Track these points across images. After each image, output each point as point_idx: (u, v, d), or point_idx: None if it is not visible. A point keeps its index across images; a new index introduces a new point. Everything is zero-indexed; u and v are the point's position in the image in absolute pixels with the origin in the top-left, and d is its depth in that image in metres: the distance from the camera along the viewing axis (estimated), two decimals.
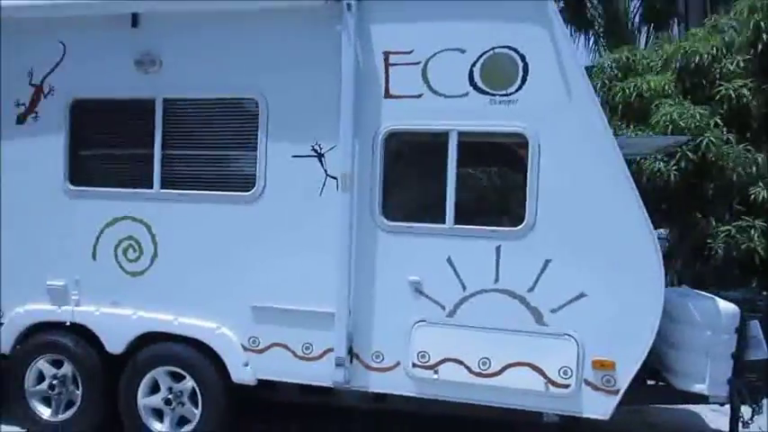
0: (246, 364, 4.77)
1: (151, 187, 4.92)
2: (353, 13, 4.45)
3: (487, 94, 4.38)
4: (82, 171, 5.11)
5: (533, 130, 4.31)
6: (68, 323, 5.05)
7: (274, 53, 4.70)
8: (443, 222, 4.46)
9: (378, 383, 4.61)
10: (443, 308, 4.47)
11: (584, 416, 4.32)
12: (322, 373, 4.63)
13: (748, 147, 7.17)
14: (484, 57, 4.38)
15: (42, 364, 5.15)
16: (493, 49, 4.36)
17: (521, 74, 4.33)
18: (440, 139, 4.46)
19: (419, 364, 4.49)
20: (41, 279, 5.12)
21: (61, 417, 5.13)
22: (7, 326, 5.18)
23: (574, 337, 4.29)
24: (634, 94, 7.63)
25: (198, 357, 4.85)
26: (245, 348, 4.78)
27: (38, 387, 5.17)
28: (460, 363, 4.43)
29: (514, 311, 4.36)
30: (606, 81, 8.07)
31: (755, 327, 5.29)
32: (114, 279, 5.00)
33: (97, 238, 5.03)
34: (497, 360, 4.38)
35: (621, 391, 4.25)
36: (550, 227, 4.32)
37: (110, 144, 5.13)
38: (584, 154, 4.28)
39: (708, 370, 4.89)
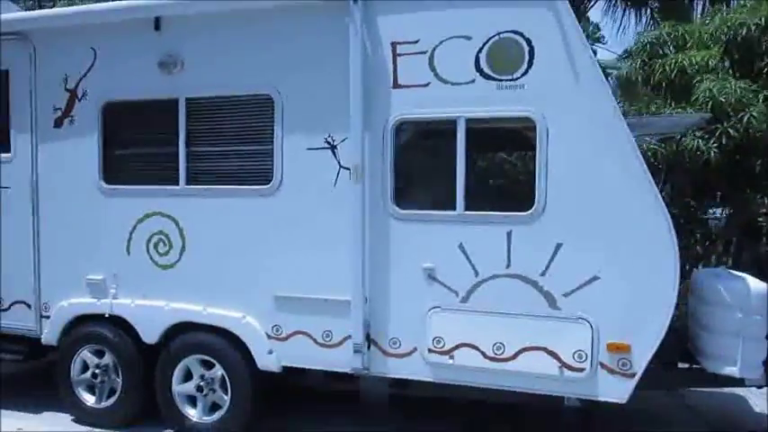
0: (271, 352, 4.94)
1: (177, 183, 5.13)
2: (360, 6, 4.52)
3: (494, 79, 4.38)
4: (115, 170, 5.37)
5: (541, 113, 4.28)
6: (107, 315, 5.33)
7: (287, 50, 4.82)
8: (454, 209, 4.50)
9: (396, 369, 4.69)
10: (457, 294, 4.51)
11: (601, 399, 4.30)
12: (342, 360, 4.75)
13: None
14: (489, 42, 4.38)
15: (86, 354, 5.47)
16: (498, 34, 4.35)
17: (527, 58, 4.31)
18: (448, 126, 4.49)
19: (435, 349, 4.55)
20: (82, 274, 5.42)
21: (104, 404, 5.43)
22: (53, 319, 5.50)
23: (588, 320, 4.26)
24: (675, 71, 7.38)
25: (226, 346, 5.05)
26: (269, 336, 4.94)
27: (82, 376, 5.49)
28: (475, 348, 4.47)
29: (527, 296, 4.36)
30: (646, 59, 7.83)
31: None
32: (147, 272, 5.24)
33: (130, 234, 5.28)
34: (511, 345, 4.40)
35: (638, 375, 4.21)
36: (561, 211, 4.30)
37: (139, 143, 5.37)
38: (593, 137, 4.23)
39: (739, 352, 4.78)
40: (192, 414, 5.17)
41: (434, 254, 4.55)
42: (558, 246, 4.30)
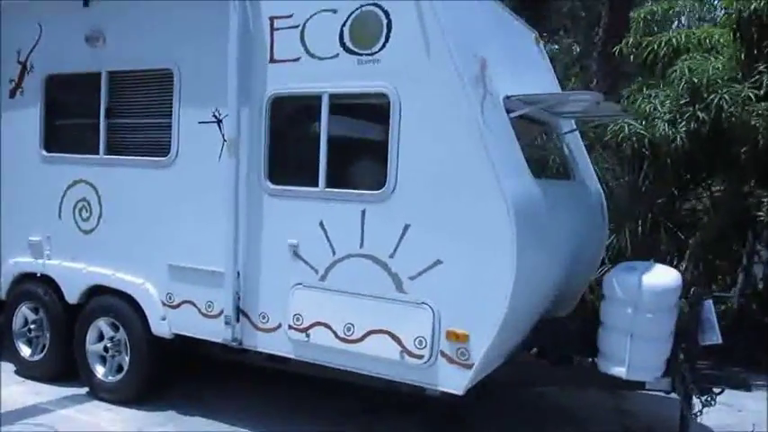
0: (164, 318, 5.11)
1: (98, 153, 5.41)
2: None
3: (355, 54, 4.29)
4: (53, 139, 5.74)
5: (394, 89, 4.15)
6: (38, 274, 5.73)
7: (185, 26, 4.95)
8: (317, 186, 4.45)
9: (264, 344, 4.73)
10: (316, 272, 4.47)
11: (440, 389, 4.12)
12: (219, 331, 4.84)
13: None
14: (352, 16, 4.29)
15: (24, 309, 5.89)
16: (360, 7, 4.26)
17: (384, 31, 4.19)
18: (314, 102, 4.44)
19: (294, 326, 4.54)
20: (26, 235, 5.86)
21: (36, 357, 5.84)
22: (3, 275, 5.99)
23: (430, 306, 4.09)
24: (663, 49, 6.78)
25: (128, 310, 5.28)
26: (163, 304, 5.12)
27: (21, 330, 5.94)
28: (328, 327, 4.41)
29: (377, 277, 4.25)
30: (638, 37, 7.25)
31: (708, 307, 4.66)
32: (74, 236, 5.57)
33: (62, 199, 5.63)
34: (360, 326, 4.31)
35: (476, 365, 3.98)
36: (409, 190, 4.15)
37: (73, 115, 5.72)
38: (440, 116, 4.05)
39: (627, 352, 4.43)
40: (101, 372, 5.45)
41: (299, 231, 4.53)
42: (407, 227, 4.15)
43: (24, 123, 5.83)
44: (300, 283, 4.52)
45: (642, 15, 7.23)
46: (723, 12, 7.20)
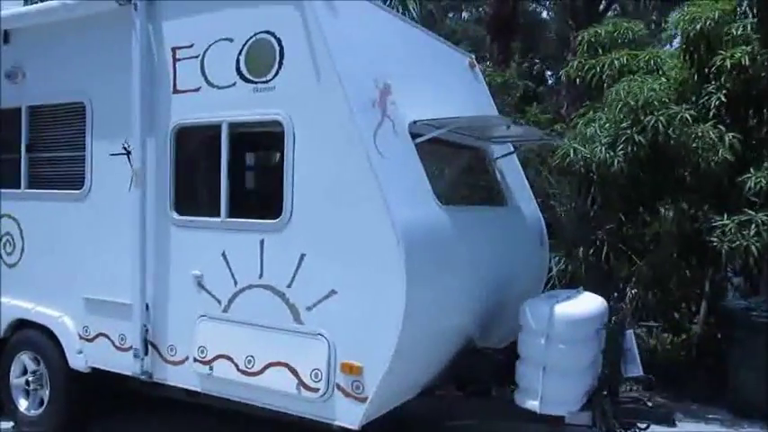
0: (80, 352, 5.04)
1: (19, 187, 5.39)
2: (140, 12, 4.57)
3: (251, 82, 4.25)
4: None
5: (288, 117, 4.10)
6: None
7: (94, 58, 4.94)
8: (219, 216, 4.39)
9: (173, 377, 4.63)
10: (220, 303, 4.39)
11: (336, 423, 3.99)
12: (130, 364, 4.75)
13: (717, 125, 5.99)
14: (247, 44, 4.26)
15: None
16: (255, 35, 4.22)
17: (277, 59, 4.15)
18: (215, 131, 4.40)
19: (199, 359, 4.44)
20: None
21: None
22: None
23: (326, 337, 3.99)
24: (606, 72, 6.71)
25: (48, 344, 5.21)
26: (80, 337, 5.05)
27: None
28: (230, 359, 4.31)
29: (276, 308, 4.16)
30: (582, 60, 7.17)
31: (630, 338, 4.52)
32: (2, 270, 5.53)
33: None
34: (260, 359, 4.20)
35: (371, 399, 3.86)
36: (304, 219, 4.07)
37: (3, 149, 5.69)
38: (331, 143, 3.99)
39: (540, 384, 4.28)
40: (23, 406, 5.37)
41: (203, 261, 4.46)
42: (303, 256, 4.07)
43: None
44: (205, 315, 4.44)
45: (587, 38, 7.17)
46: (672, 32, 7.12)
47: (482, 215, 5.11)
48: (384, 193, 3.81)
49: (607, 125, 6.17)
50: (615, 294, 7.04)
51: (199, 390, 4.51)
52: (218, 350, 4.37)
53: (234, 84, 4.31)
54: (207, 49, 4.41)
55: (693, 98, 6.65)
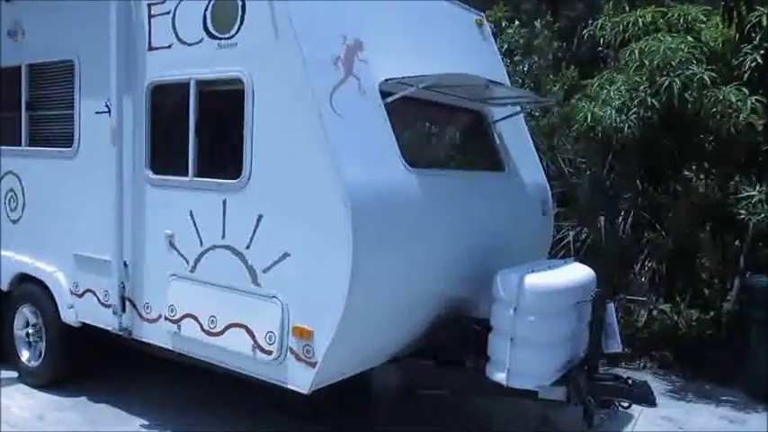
0: (71, 307, 5.17)
1: (21, 144, 5.54)
2: None
3: (216, 38, 4.17)
4: None
5: (249, 74, 4.00)
6: None
7: (84, 15, 4.95)
8: (187, 175, 4.36)
9: (149, 334, 4.69)
10: (188, 262, 4.39)
11: (289, 387, 3.94)
12: (112, 320, 4.84)
13: (740, 87, 5.48)
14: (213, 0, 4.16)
15: None
16: None
17: (240, 13, 4.04)
18: (185, 89, 4.35)
19: (169, 317, 4.47)
20: None
21: None
22: None
23: (280, 300, 3.93)
24: (630, 31, 6.24)
25: (44, 298, 5.37)
26: (71, 292, 5.18)
27: None
28: (196, 319, 4.32)
29: (236, 269, 4.12)
30: (607, 19, 6.69)
31: (611, 312, 4.28)
32: (6, 226, 5.73)
33: None
34: (221, 319, 4.19)
35: (320, 364, 3.79)
36: (262, 179, 4.00)
37: (6, 108, 5.84)
38: (286, 101, 3.88)
39: (507, 356, 4.11)
40: (25, 357, 5.58)
41: (174, 221, 4.46)
42: (260, 217, 4.00)
43: None
44: (175, 274, 4.46)
45: None
46: None
47: (468, 180, 4.89)
48: (335, 153, 3.68)
49: (622, 88, 5.76)
50: (634, 267, 6.68)
51: (170, 348, 4.55)
52: (185, 309, 4.38)
53: (201, 40, 4.24)
54: (177, 6, 4.35)
55: (733, 60, 6.14)
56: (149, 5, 4.51)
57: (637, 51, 5.71)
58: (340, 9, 4.21)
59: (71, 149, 5.10)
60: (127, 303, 4.77)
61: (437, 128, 5.14)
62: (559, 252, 6.93)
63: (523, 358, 4.12)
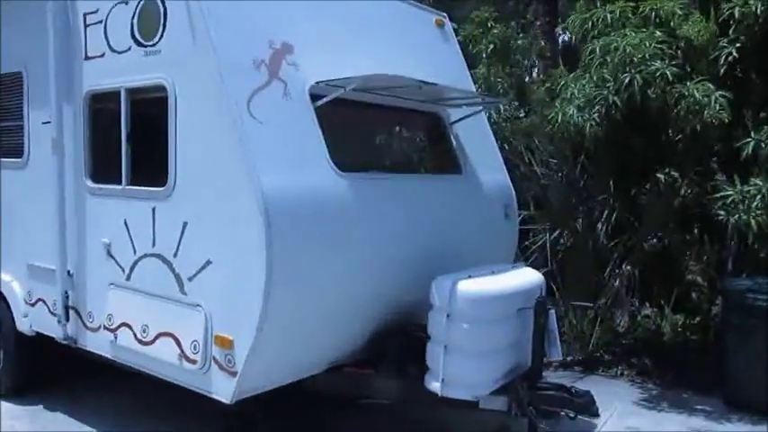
0: (26, 316, 5.19)
1: None
2: None
3: (142, 45, 4.15)
4: None
5: (171, 81, 3.97)
6: None
7: (30, 27, 4.96)
8: (120, 184, 4.35)
9: (91, 343, 4.68)
10: (123, 271, 4.37)
11: (214, 397, 3.87)
12: (57, 329, 4.84)
13: (702, 82, 5.26)
14: (139, 6, 4.14)
15: None
16: None
17: (162, 19, 4.01)
18: (117, 97, 4.33)
19: (107, 326, 4.46)
20: None
21: None
22: None
23: (203, 308, 3.88)
24: (596, 28, 6.06)
25: (3, 307, 5.40)
26: (25, 301, 5.20)
27: None
28: (130, 328, 4.29)
29: (165, 278, 4.08)
30: (579, 15, 6.51)
31: (551, 319, 4.15)
32: None
33: None
34: (152, 328, 4.16)
35: (240, 374, 3.71)
36: (186, 187, 3.96)
37: None
38: (205, 107, 3.84)
39: (441, 366, 3.99)
40: None
41: (110, 229, 4.45)
42: (185, 225, 3.96)
43: None
44: (113, 283, 4.43)
45: None
46: None
47: (413, 183, 4.79)
48: (251, 159, 3.61)
49: (586, 86, 5.60)
50: (609, 271, 6.49)
51: (110, 357, 4.53)
52: (121, 318, 4.36)
53: (129, 48, 4.22)
54: (108, 14, 4.35)
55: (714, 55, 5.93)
56: (84, 15, 4.51)
57: (598, 48, 5.53)
58: (268, 11, 4.15)
59: (21, 160, 5.12)
60: (71, 312, 4.76)
61: (380, 131, 5.04)
62: (532, 256, 6.79)
63: (458, 367, 4.00)
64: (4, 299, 5.37)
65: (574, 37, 6.59)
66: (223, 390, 3.80)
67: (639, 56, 5.33)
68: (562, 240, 6.90)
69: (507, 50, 7.99)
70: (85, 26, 4.52)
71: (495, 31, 8.69)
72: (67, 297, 4.73)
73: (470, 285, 4.01)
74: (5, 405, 5.31)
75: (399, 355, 4.38)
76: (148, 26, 4.08)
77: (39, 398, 5.41)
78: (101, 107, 4.58)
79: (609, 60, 5.44)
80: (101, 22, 4.39)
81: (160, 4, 4.00)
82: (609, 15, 6.08)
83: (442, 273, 4.30)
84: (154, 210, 4.13)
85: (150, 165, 4.31)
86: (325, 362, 4.28)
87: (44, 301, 5.02)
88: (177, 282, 4.01)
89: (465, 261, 4.74)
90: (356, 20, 4.86)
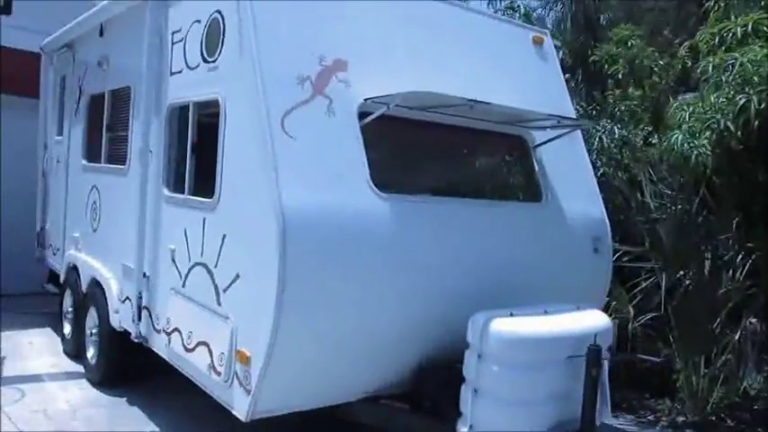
0: (117, 312, 5.57)
1: (100, 161, 6.13)
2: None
3: (207, 62, 4.31)
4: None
5: (223, 95, 4.07)
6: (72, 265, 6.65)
7: (137, 43, 5.31)
8: (184, 193, 4.53)
9: (156, 343, 4.90)
10: (181, 277, 4.53)
11: (234, 412, 3.86)
12: (132, 327, 5.14)
13: None
14: (208, 25, 4.30)
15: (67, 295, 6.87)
16: (212, 14, 4.25)
17: (221, 37, 4.13)
18: (187, 111, 4.54)
19: (164, 330, 4.64)
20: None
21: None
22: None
23: (231, 321, 3.90)
24: (727, 42, 5.29)
25: (103, 302, 5.81)
26: (117, 299, 5.59)
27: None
28: (180, 333, 4.43)
29: (207, 287, 4.18)
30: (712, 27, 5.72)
31: (604, 372, 3.72)
32: (90, 234, 6.36)
33: (87, 202, 6.45)
34: (195, 336, 4.27)
35: (254, 392, 3.67)
36: (227, 199, 4.03)
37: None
38: (245, 122, 3.89)
39: (469, 409, 3.73)
40: (89, 354, 6.08)
41: (175, 236, 4.64)
42: (224, 237, 4.02)
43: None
44: (173, 288, 4.62)
45: None
46: None
47: (473, 210, 4.46)
48: (275, 175, 3.58)
49: (697, 110, 4.93)
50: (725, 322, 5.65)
51: (167, 359, 4.70)
52: (175, 323, 4.52)
53: (198, 65, 4.42)
54: (187, 32, 4.57)
55: None
56: (172, 33, 4.77)
57: (711, 67, 4.85)
58: (325, 27, 4.12)
59: (125, 167, 5.52)
60: (144, 312, 5.01)
61: (444, 153, 4.78)
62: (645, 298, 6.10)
63: (487, 413, 3.65)
64: (104, 294, 5.81)
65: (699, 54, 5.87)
66: (240, 407, 3.78)
67: (760, 75, 4.59)
68: (680, 283, 6.13)
69: (643, 70, 7.34)
70: (172, 44, 4.77)
71: (635, 49, 8.03)
72: (141, 297, 4.99)
73: (505, 324, 3.65)
74: (97, 393, 5.71)
75: (438, 392, 4.08)
76: (212, 43, 4.23)
77: (129, 390, 5.76)
78: (177, 119, 4.81)
79: (724, 80, 4.74)
80: (182, 40, 4.62)
81: (221, 21, 4.12)
82: (740, 29, 5.33)
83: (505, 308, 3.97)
84: (204, 220, 4.24)
85: (207, 177, 4.44)
86: (359, 391, 4.11)
87: (130, 300, 5.35)
88: (216, 292, 4.08)
89: (537, 298, 4.35)
90: (433, 38, 4.69)
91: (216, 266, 4.09)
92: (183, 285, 4.48)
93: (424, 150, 4.60)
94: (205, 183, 4.46)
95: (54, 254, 7.40)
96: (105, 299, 5.75)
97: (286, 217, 3.50)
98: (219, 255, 4.05)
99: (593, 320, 4.00)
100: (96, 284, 6.01)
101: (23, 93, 8.28)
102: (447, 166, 4.77)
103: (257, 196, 3.69)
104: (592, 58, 8.03)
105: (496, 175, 4.99)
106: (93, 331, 6.03)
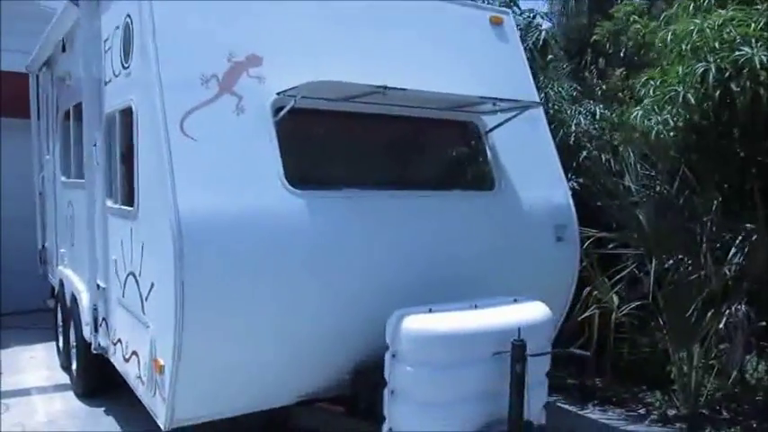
0: (87, 324, 5.53)
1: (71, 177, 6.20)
2: (83, 7, 4.84)
3: (125, 68, 4.24)
4: None
5: (136, 102, 4.00)
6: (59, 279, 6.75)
7: None
8: (117, 202, 4.50)
9: (111, 355, 4.88)
10: (121, 287, 4.49)
11: (157, 421, 3.78)
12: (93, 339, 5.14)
13: None
14: (123, 30, 4.24)
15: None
16: (124, 19, 4.18)
17: (131, 42, 4.06)
18: (113, 119, 4.50)
19: (112, 341, 4.62)
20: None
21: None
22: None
23: (151, 329, 3.82)
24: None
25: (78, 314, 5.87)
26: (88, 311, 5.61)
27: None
28: (121, 343, 4.40)
29: (136, 297, 4.12)
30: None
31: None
32: (68, 248, 6.43)
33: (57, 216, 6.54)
34: (130, 345, 4.23)
35: (168, 401, 3.57)
36: (142, 207, 3.95)
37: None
38: (149, 126, 3.80)
39: (386, 411, 3.58)
40: (74, 366, 6.13)
41: (116, 247, 4.61)
42: (143, 245, 3.95)
43: None
44: (117, 299, 4.59)
45: None
46: None
47: (406, 202, 4.22)
48: (171, 178, 3.48)
49: (657, 83, 4.56)
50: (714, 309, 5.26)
51: (119, 371, 4.68)
52: (119, 334, 4.49)
53: (120, 73, 4.35)
54: (110, 40, 4.53)
55: None
56: (104, 41, 4.74)
57: (669, 36, 4.48)
58: (234, 23, 3.99)
59: (84, 181, 5.51)
60: (103, 324, 5.00)
61: (377, 143, 4.58)
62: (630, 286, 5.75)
63: (404, 416, 3.46)
64: (78, 307, 5.85)
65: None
66: (160, 415, 3.70)
67: (717, 42, 4.21)
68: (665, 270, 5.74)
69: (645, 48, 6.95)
70: (104, 52, 4.73)
71: (637, 25, 7.60)
72: (96, 309, 4.98)
73: (418, 322, 3.44)
74: (78, 404, 5.76)
75: (371, 395, 3.89)
76: (126, 48, 4.16)
77: (107, 400, 5.79)
78: (111, 128, 4.76)
79: (684, 48, 4.38)
80: (109, 49, 4.58)
81: (131, 26, 4.05)
82: None
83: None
84: (131, 229, 4.19)
85: (129, 185, 4.39)
86: (293, 395, 3.98)
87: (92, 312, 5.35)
88: (141, 301, 4.02)
89: (488, 292, 4.12)
90: (368, 28, 4.50)
91: (140, 275, 4.03)
92: (123, 296, 4.44)
93: (350, 143, 4.42)
94: (129, 192, 4.42)
95: (52, 270, 7.53)
96: (80, 312, 5.78)
97: (182, 221, 3.40)
98: (141, 263, 3.99)
99: (524, 314, 3.73)
100: (73, 298, 6.06)
101: (22, 115, 8.47)
102: (377, 158, 4.57)
103: (158, 202, 3.60)
104: (594, 37, 7.63)
105: (438, 164, 4.75)
106: (74, 344, 6.08)
